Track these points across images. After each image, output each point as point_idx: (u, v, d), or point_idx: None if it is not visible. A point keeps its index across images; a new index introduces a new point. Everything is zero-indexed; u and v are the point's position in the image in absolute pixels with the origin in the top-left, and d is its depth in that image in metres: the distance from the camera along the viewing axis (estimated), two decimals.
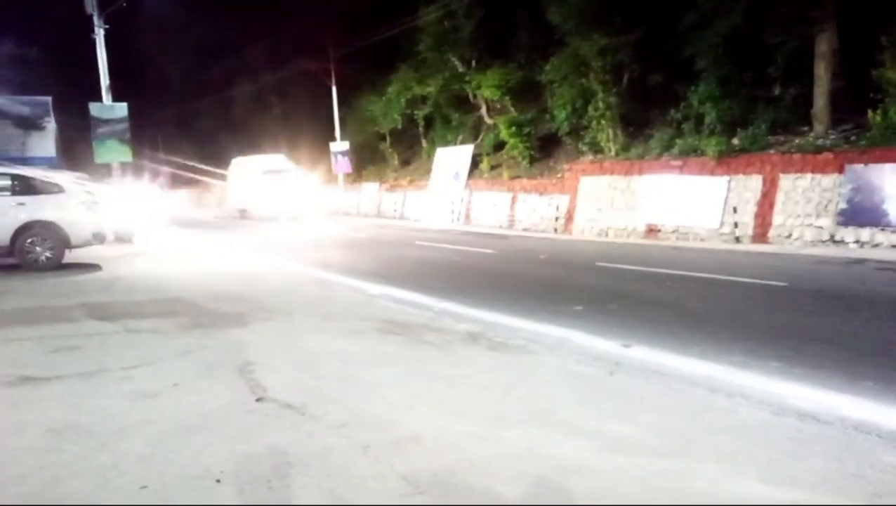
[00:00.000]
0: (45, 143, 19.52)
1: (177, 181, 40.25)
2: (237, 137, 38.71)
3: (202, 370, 4.88)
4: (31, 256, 10.91)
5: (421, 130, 28.40)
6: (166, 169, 37.74)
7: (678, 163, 15.67)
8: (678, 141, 15.98)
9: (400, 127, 28.17)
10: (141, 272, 10.81)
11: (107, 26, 18.43)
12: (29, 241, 10.89)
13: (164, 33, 37.03)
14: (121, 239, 15.25)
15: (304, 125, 32.64)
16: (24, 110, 19.63)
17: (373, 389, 4.38)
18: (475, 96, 24.41)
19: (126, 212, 15.71)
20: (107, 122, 18.17)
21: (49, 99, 20.13)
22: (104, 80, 18.35)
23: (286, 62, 31.73)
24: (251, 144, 34.40)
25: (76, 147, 24.93)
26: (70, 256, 11.49)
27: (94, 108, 18.20)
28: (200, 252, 14.12)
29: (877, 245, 11.87)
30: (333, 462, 3.17)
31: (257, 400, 4.12)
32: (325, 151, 30.81)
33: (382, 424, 3.68)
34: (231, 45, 35.74)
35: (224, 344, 5.68)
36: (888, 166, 11.96)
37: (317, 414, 3.84)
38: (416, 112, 27.24)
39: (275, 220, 24.62)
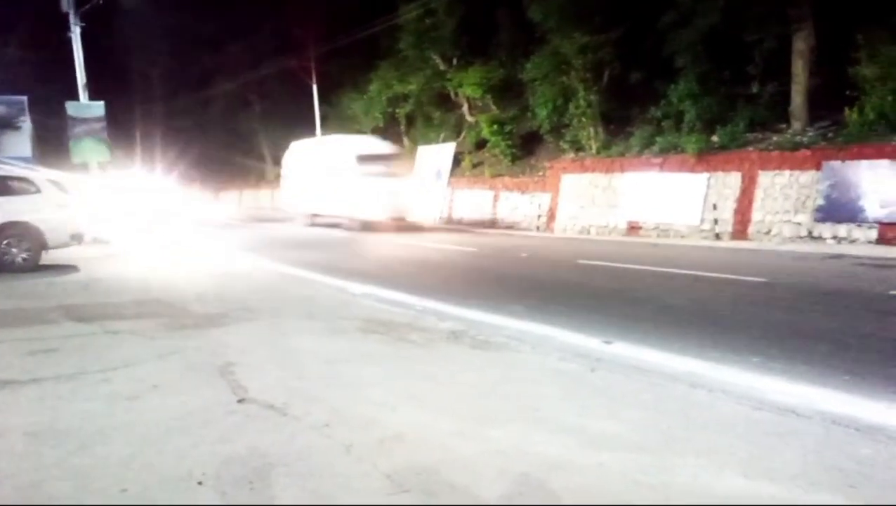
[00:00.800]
0: (20, 142, 19.29)
1: (194, 177, 39.02)
2: (218, 136, 38.31)
3: (183, 372, 4.83)
4: (8, 257, 10.72)
5: (403, 128, 28.32)
6: (178, 165, 36.59)
7: (658, 160, 15.79)
8: (658, 139, 16.11)
9: (382, 125, 28.06)
10: (122, 274, 10.67)
11: (83, 24, 18.17)
12: (5, 242, 10.71)
13: (147, 29, 36.45)
14: (98, 240, 15.03)
15: (285, 123, 32.37)
16: None
17: (356, 388, 4.36)
18: (457, 94, 24.39)
19: (105, 210, 15.46)
20: (84, 120, 17.92)
21: (24, 98, 19.88)
22: (81, 79, 18.10)
23: (267, 60, 31.46)
24: (236, 142, 34.08)
25: (56, 146, 24.57)
26: (47, 258, 11.33)
27: (70, 107, 17.94)
28: (187, 251, 13.96)
29: (854, 241, 12.05)
30: (316, 462, 3.15)
31: (239, 401, 4.09)
32: None
33: (366, 423, 3.67)
34: (211, 43, 35.31)
35: (205, 345, 5.62)
36: (864, 163, 12.14)
37: (299, 414, 3.82)
38: (397, 110, 27.13)
39: (374, 229, 18.43)
